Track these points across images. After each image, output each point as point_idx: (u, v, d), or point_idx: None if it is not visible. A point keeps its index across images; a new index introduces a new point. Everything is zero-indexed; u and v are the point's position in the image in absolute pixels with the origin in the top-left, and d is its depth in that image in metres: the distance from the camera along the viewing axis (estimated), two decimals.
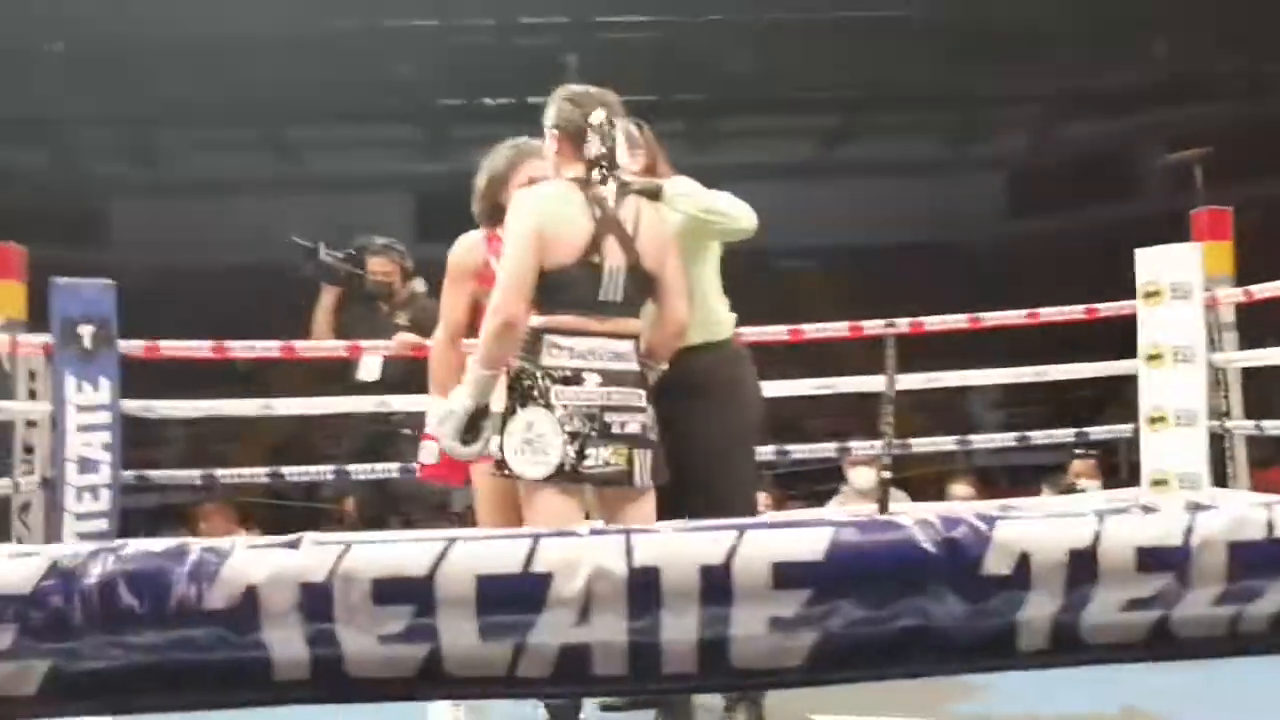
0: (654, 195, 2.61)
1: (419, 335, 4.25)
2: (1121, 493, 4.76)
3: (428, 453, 2.81)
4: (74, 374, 4.13)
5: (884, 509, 4.40)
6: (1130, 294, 4.53)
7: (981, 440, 5.39)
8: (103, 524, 4.18)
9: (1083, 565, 1.01)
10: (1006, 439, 4.85)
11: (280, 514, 9.88)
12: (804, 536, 1.02)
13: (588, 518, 2.68)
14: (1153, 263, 4.48)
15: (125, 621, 0.97)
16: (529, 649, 1.00)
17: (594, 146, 2.47)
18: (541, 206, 2.48)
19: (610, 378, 2.46)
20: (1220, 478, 4.47)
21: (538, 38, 14.68)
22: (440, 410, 2.51)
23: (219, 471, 4.59)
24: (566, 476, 2.42)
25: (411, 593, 0.98)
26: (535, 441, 2.39)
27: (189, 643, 0.98)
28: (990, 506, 4.83)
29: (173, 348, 4.45)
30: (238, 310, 13.53)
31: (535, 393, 2.42)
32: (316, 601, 0.97)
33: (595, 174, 2.48)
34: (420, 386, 4.22)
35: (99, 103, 14.82)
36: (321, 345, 4.54)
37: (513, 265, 2.45)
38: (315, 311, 4.67)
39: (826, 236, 16.84)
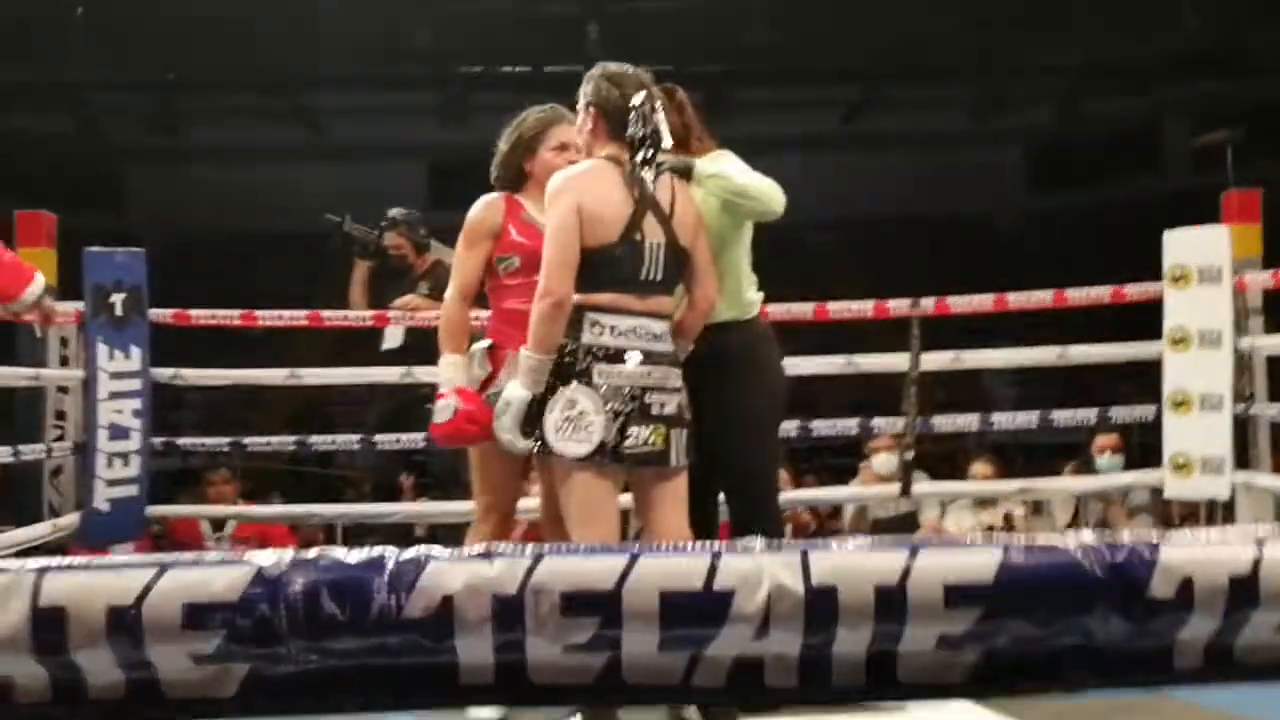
0: (685, 174, 2.61)
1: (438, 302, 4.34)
2: (1141, 474, 4.75)
3: (443, 411, 2.75)
4: (106, 341, 4.18)
5: (906, 490, 4.42)
6: (1152, 272, 4.52)
7: (1004, 419, 5.37)
8: (133, 489, 4.25)
9: (1243, 590, 1.06)
10: (1029, 418, 4.84)
11: (299, 481, 9.99)
12: (974, 558, 1.06)
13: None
14: (1181, 245, 4.46)
15: (328, 629, 1.01)
16: (705, 660, 1.05)
17: (638, 128, 2.46)
18: (581, 185, 2.47)
19: (650, 357, 2.46)
20: (1243, 462, 4.47)
21: (558, 6, 14.60)
22: (499, 404, 2.48)
23: (245, 439, 4.64)
24: (608, 456, 2.41)
25: (598, 605, 1.03)
26: (577, 420, 2.38)
27: (384, 649, 1.02)
28: (1011, 487, 4.87)
29: (203, 315, 4.49)
30: (255, 277, 13.61)
31: (577, 370, 2.41)
32: (509, 612, 1.02)
33: (640, 156, 2.46)
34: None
35: (119, 69, 14.83)
36: (345, 315, 4.57)
37: (558, 245, 2.44)
38: (351, 284, 4.72)
39: (846, 208, 16.75)
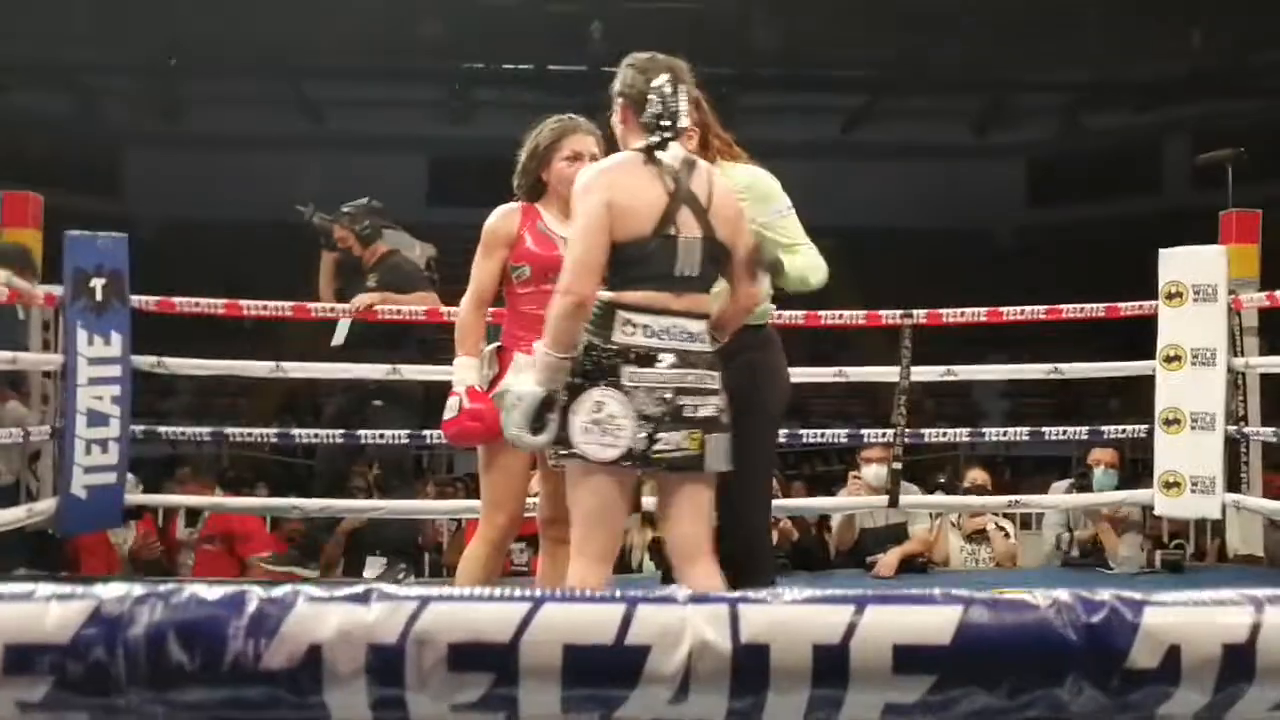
0: (774, 269, 2.54)
1: (385, 294, 4.36)
2: (1132, 493, 4.72)
3: (451, 409, 2.81)
4: (85, 326, 4.11)
5: (894, 502, 4.38)
6: (1146, 290, 4.48)
7: (995, 432, 5.34)
8: (111, 477, 4.18)
9: (1237, 660, 0.94)
10: (1021, 433, 4.81)
11: (287, 470, 9.94)
12: (930, 616, 0.93)
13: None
14: (1177, 263, 4.43)
15: (174, 678, 0.89)
16: None
17: (653, 108, 2.35)
18: (611, 178, 2.35)
19: (684, 359, 2.33)
20: (1234, 482, 4.43)
21: (563, 4, 14.54)
22: (507, 398, 2.35)
23: (228, 429, 4.58)
24: (635, 461, 2.29)
25: (492, 659, 0.90)
26: (604, 423, 2.27)
27: (240, 702, 0.90)
28: (1002, 500, 4.82)
29: (186, 303, 4.43)
30: (250, 265, 13.55)
31: (605, 371, 2.29)
32: (387, 665, 0.89)
33: (655, 137, 2.34)
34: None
35: (120, 52, 14.76)
36: (332, 306, 4.52)
37: (582, 241, 2.31)
38: (320, 274, 4.67)
39: (846, 217, 16.71)
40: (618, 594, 0.92)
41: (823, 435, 5.07)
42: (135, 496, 4.51)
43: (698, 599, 0.92)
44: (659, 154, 2.33)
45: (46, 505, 4.14)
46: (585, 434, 2.27)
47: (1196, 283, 4.36)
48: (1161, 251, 4.45)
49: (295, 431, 5.15)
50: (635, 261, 2.32)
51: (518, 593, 0.92)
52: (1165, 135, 17.49)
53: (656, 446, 2.28)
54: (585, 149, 2.83)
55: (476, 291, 2.88)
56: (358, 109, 16.57)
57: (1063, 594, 0.94)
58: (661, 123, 2.34)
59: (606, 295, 2.31)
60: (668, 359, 2.31)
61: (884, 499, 4.44)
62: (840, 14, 13.92)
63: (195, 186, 16.18)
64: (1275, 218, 4.97)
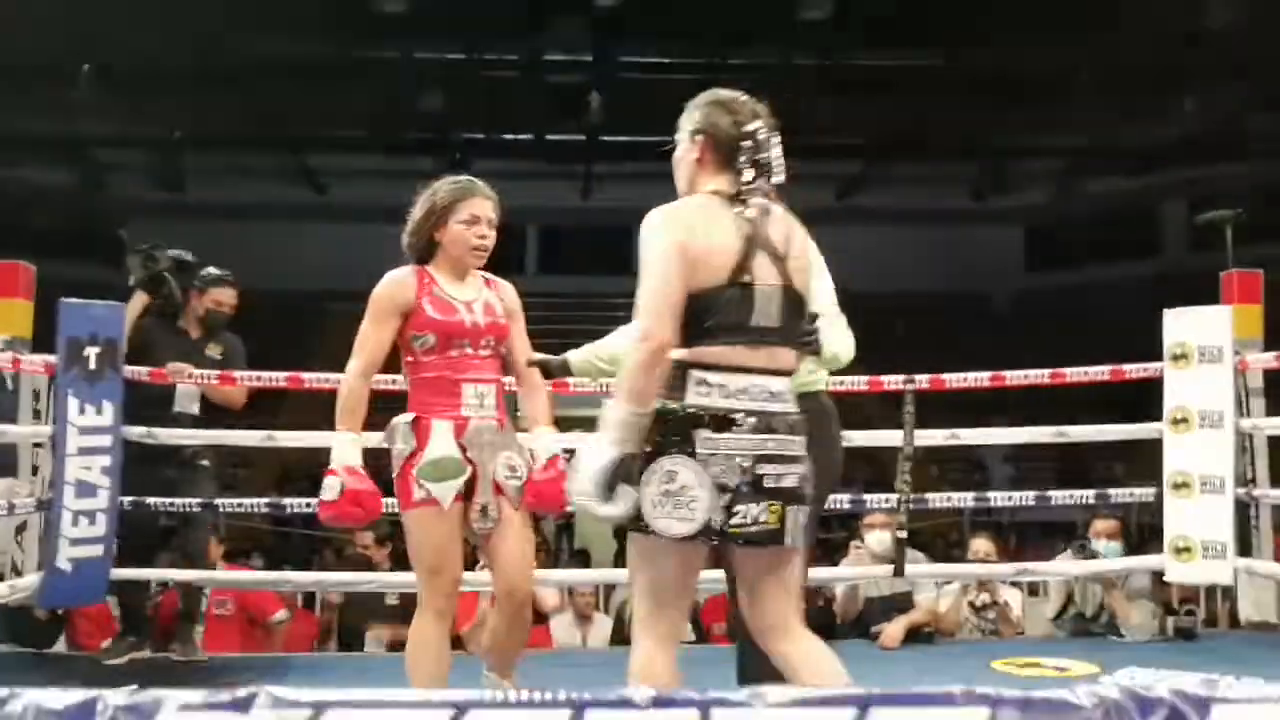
0: (814, 352, 2.46)
1: (227, 368, 4.36)
2: (1142, 559, 4.62)
3: (329, 490, 2.67)
4: (76, 395, 4.05)
5: (899, 571, 4.28)
6: (1149, 352, 4.43)
7: (1000, 497, 5.25)
8: (98, 549, 4.09)
9: None
10: (1026, 497, 4.72)
11: (285, 540, 9.83)
12: (951, 718, 0.76)
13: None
14: (1182, 324, 4.38)
15: None
16: None
17: (747, 153, 2.18)
18: (684, 220, 2.14)
19: (765, 422, 2.12)
20: (1245, 547, 4.35)
21: (563, 75, 14.72)
22: (581, 468, 2.08)
23: (219, 500, 4.50)
24: (711, 536, 2.09)
25: None
26: (678, 495, 2.05)
27: None
28: (1008, 569, 4.73)
29: (177, 373, 4.38)
30: (255, 336, 13.54)
31: (678, 437, 2.07)
32: None
33: (756, 186, 2.18)
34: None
35: (126, 125, 14.91)
36: (327, 377, 4.46)
37: (658, 284, 2.08)
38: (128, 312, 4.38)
39: (844, 282, 16.72)
40: (561, 696, 0.77)
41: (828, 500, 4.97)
42: (123, 571, 4.41)
43: (662, 702, 0.75)
44: (740, 198, 2.17)
45: (29, 581, 4.05)
46: (657, 507, 2.06)
47: (1202, 344, 4.31)
48: (1166, 312, 4.40)
49: (286, 501, 5.08)
50: (707, 312, 2.10)
51: (437, 696, 0.78)
52: (1162, 198, 17.61)
53: (733, 520, 2.08)
54: (483, 213, 2.79)
55: (365, 360, 2.75)
56: (359, 179, 16.70)
57: (1112, 691, 0.78)
58: (759, 168, 2.18)
59: (679, 353, 2.10)
60: (747, 422, 2.10)
61: (889, 568, 4.34)
62: (835, 82, 14.07)
63: (199, 256, 16.23)
64: (1275, 278, 4.94)
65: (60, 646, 4.57)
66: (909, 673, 3.81)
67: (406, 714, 0.75)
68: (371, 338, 2.76)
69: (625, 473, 2.07)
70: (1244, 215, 4.79)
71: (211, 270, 4.53)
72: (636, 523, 2.08)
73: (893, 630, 4.39)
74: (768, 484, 2.10)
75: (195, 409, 4.39)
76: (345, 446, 2.70)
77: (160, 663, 4.08)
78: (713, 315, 2.10)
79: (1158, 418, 4.38)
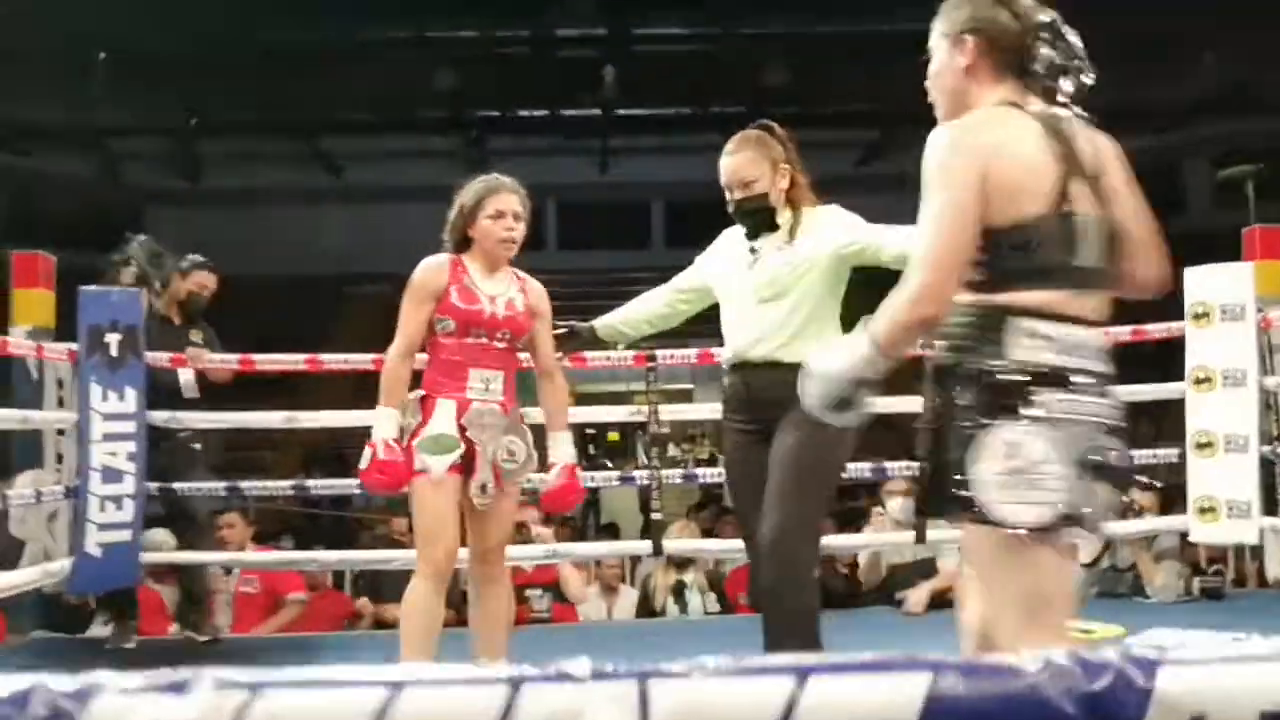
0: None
1: (209, 352, 4.46)
2: (1167, 520, 4.60)
3: (364, 460, 2.88)
4: (100, 382, 4.10)
5: (921, 538, 4.28)
6: (1169, 312, 4.39)
7: None
8: (126, 534, 4.15)
9: None
10: None
11: (313, 522, 9.91)
12: (889, 686, 0.74)
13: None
14: (1202, 283, 4.34)
15: None
16: None
17: (1046, 49, 1.82)
18: (986, 138, 1.75)
19: (1100, 385, 1.73)
20: (1270, 505, 4.32)
21: (575, 49, 14.64)
22: (815, 376, 1.83)
23: (243, 484, 4.54)
24: (1072, 522, 1.67)
25: None
26: (1027, 471, 1.65)
27: None
28: None
29: (198, 358, 4.41)
30: (274, 320, 13.61)
31: (1013, 401, 1.66)
32: None
33: (1063, 92, 1.83)
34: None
35: (141, 112, 14.95)
36: (345, 358, 4.48)
37: (949, 228, 1.71)
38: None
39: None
40: (500, 674, 0.76)
41: (846, 469, 4.97)
42: (159, 555, 4.46)
43: (601, 675, 0.75)
44: (1039, 108, 1.81)
45: (60, 565, 4.10)
46: (1004, 489, 1.66)
47: (1223, 302, 4.27)
48: (1186, 271, 4.36)
49: (310, 483, 5.12)
50: (1024, 250, 1.72)
51: (371, 675, 0.77)
52: (1185, 156, 17.41)
53: (1086, 503, 1.68)
54: (509, 207, 2.96)
55: (405, 341, 2.94)
56: (375, 161, 16.70)
57: (1058, 655, 0.76)
58: (1069, 75, 1.83)
59: (1002, 298, 1.72)
60: (1087, 384, 1.70)
61: (910, 535, 4.34)
62: (850, 50, 13.95)
63: (217, 242, 16.29)
64: None
65: (97, 630, 4.62)
66: (933, 638, 3.81)
67: (343, 692, 0.76)
68: (409, 319, 2.94)
69: (855, 394, 1.82)
70: (1265, 170, 4.72)
71: (193, 256, 4.61)
72: (974, 512, 1.69)
73: (917, 596, 4.40)
74: (1110, 460, 1.71)
75: (197, 394, 4.44)
76: (383, 421, 2.88)
77: (177, 645, 4.14)
78: (1031, 253, 1.72)
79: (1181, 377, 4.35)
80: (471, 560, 3.02)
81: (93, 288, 4.19)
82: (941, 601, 4.44)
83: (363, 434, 4.84)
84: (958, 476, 1.69)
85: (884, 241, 2.80)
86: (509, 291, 3.00)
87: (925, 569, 4.55)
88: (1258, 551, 4.69)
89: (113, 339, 4.12)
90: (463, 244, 3.01)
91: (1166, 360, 4.52)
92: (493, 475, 2.93)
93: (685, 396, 12.40)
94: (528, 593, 4.77)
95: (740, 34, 13.36)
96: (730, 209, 2.93)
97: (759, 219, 2.89)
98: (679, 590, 4.97)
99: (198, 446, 4.44)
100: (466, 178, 3.06)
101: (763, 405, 2.79)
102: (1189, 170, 17.40)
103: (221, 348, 4.61)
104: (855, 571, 4.93)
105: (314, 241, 16.73)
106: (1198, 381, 4.32)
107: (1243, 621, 4.04)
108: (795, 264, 2.83)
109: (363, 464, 2.87)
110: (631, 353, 4.24)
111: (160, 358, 4.27)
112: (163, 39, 12.77)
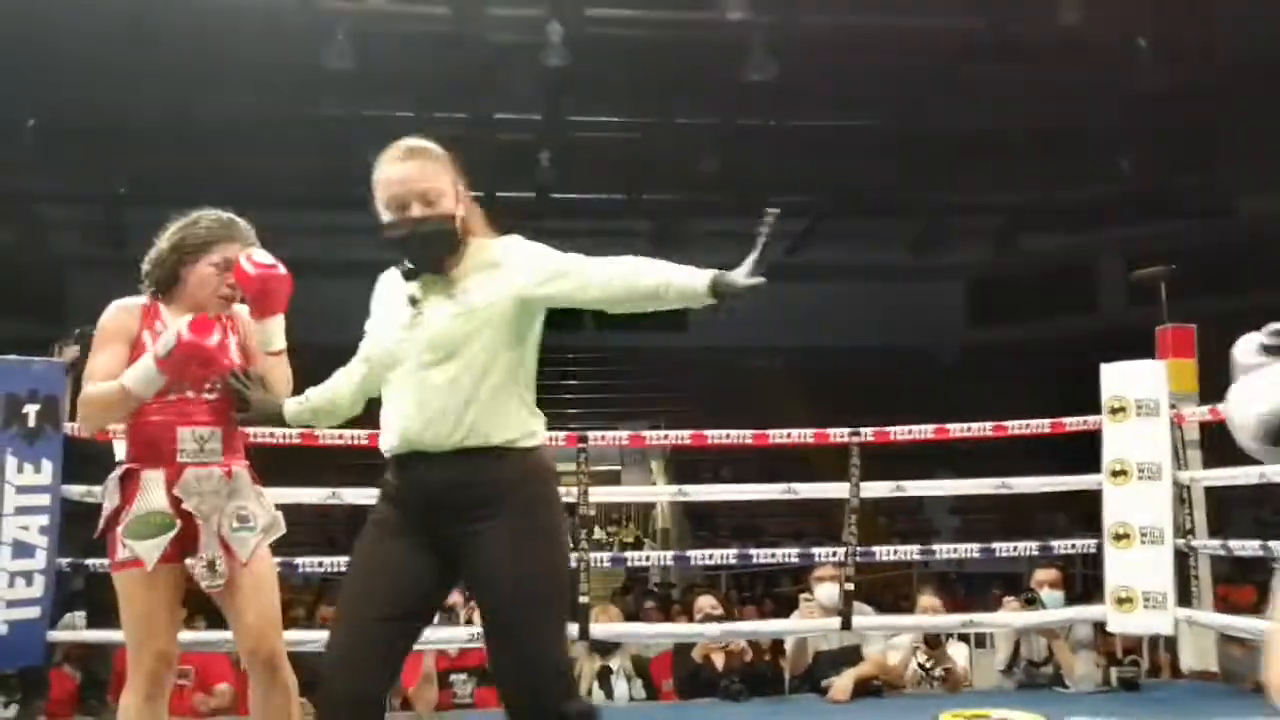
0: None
1: None
2: (1084, 609, 4.68)
3: (165, 344, 2.43)
4: (15, 454, 3.98)
5: (847, 624, 4.29)
6: (1089, 405, 4.53)
7: (946, 549, 5.31)
8: (34, 611, 4.00)
9: None
10: (971, 549, 4.78)
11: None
12: None
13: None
14: (1119, 378, 4.49)
15: None
16: None
17: None
18: None
19: None
20: (1185, 596, 4.42)
21: (512, 134, 14.80)
22: (1240, 396, 1.67)
23: None
24: None
25: None
26: None
27: None
28: (955, 621, 4.76)
29: (121, 430, 4.31)
30: None
31: None
32: None
33: None
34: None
35: (68, 180, 14.76)
36: (274, 432, 4.41)
37: None
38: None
39: (790, 337, 16.94)
40: None
41: (773, 555, 5.01)
42: (68, 634, 4.29)
43: None
44: None
45: None
46: None
47: (1139, 397, 4.41)
48: (1103, 367, 4.51)
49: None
50: None
51: None
52: (1100, 255, 18.05)
53: None
54: (236, 259, 2.53)
55: (102, 380, 2.50)
56: (298, 236, 16.60)
57: None
58: None
59: None
60: None
61: (836, 621, 4.36)
62: (780, 141, 14.30)
63: None
64: (1209, 333, 5.08)
65: None
66: None
67: None
68: (97, 363, 2.52)
69: None
70: (1177, 271, 4.92)
71: (87, 327, 4.51)
72: None
73: (841, 683, 4.40)
74: None
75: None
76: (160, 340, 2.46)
77: None
78: None
79: (1098, 469, 4.47)
80: (240, 652, 2.57)
81: (11, 357, 4.09)
82: (866, 688, 4.44)
83: (293, 509, 4.75)
84: None
85: (588, 278, 2.17)
86: (213, 336, 2.47)
87: (851, 656, 4.56)
88: (1171, 643, 4.79)
89: (31, 409, 4.01)
90: (167, 283, 2.57)
91: (1085, 453, 4.64)
92: (220, 549, 2.46)
93: (614, 479, 12.38)
94: (452, 677, 4.66)
95: (671, 124, 13.64)
96: (396, 235, 2.20)
97: (440, 246, 2.19)
98: (604, 676, 4.91)
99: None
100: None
101: (439, 511, 2.11)
102: (1105, 269, 18.03)
103: None
104: (780, 657, 4.92)
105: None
106: (1114, 474, 4.44)
107: (1160, 712, 4.11)
108: (470, 312, 2.15)
109: (162, 352, 2.40)
110: (563, 434, 4.24)
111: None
112: (92, 107, 12.68)
